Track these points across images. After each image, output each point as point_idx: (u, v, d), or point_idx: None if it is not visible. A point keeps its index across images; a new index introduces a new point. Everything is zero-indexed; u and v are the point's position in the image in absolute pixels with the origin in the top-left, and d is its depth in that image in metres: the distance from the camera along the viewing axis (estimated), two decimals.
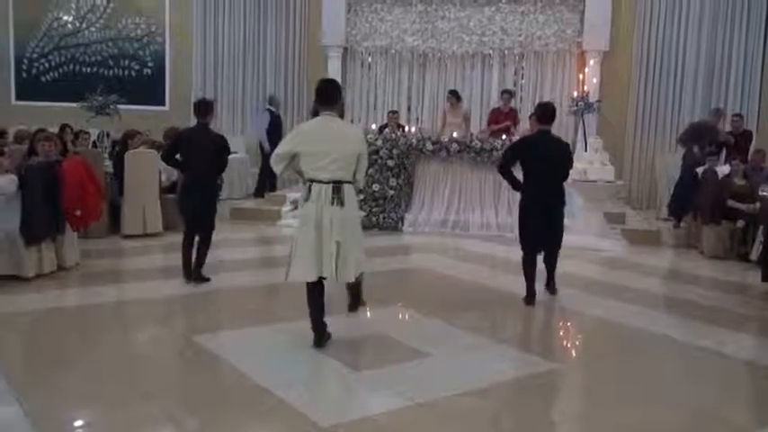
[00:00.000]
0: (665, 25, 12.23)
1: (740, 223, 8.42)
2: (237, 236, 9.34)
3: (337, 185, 4.63)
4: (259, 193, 11.71)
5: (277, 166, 4.81)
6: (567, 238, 9.01)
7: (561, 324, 6.11)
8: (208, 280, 6.65)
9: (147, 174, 8.94)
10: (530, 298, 6.22)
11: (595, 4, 12.16)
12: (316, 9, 13.11)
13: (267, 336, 5.29)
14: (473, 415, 3.96)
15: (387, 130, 10.89)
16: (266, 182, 11.69)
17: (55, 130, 9.29)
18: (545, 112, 6.25)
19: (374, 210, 9.84)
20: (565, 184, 6.37)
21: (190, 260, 6.62)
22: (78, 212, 6.96)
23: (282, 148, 4.81)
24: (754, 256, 7.98)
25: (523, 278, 6.23)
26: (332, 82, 5.05)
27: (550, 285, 6.51)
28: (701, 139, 10.06)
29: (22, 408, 3.81)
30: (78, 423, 3.86)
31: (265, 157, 11.81)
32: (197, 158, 6.44)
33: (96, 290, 6.42)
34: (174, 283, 6.66)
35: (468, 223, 9.79)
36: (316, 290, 4.83)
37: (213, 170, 6.58)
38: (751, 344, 5.59)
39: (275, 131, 11.71)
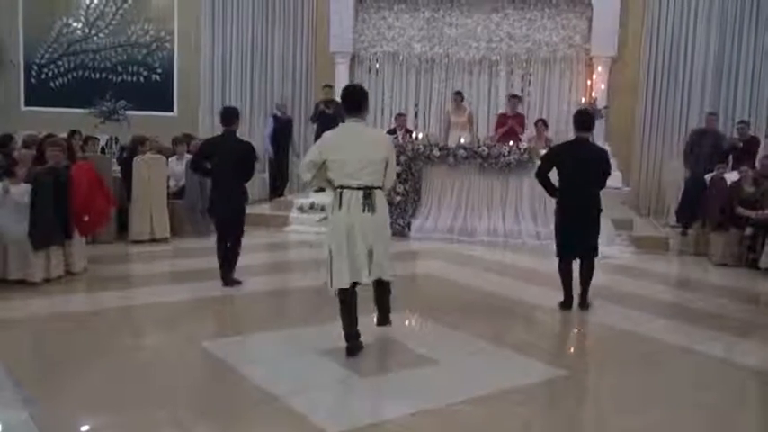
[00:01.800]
0: (672, 32, 12.20)
1: (748, 231, 8.37)
2: (245, 241, 9.35)
3: (368, 191, 4.62)
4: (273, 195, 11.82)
5: (305, 175, 4.82)
6: None
7: (568, 331, 6.09)
8: (239, 283, 6.72)
9: (156, 179, 8.97)
10: (565, 303, 6.26)
11: (603, 11, 12.14)
12: (323, 16, 13.15)
13: (274, 341, 5.29)
14: (480, 422, 3.94)
15: (398, 133, 10.95)
16: (276, 185, 11.80)
17: (64, 135, 9.32)
18: (582, 119, 6.28)
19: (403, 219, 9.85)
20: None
21: (225, 263, 6.72)
22: (86, 218, 7.00)
23: (309, 156, 4.81)
24: (763, 263, 7.94)
25: (535, 285, 6.46)
26: (358, 88, 5.02)
27: (583, 298, 6.30)
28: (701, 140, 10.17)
29: (29, 412, 3.82)
30: (85, 428, 3.86)
31: (270, 162, 11.87)
32: (223, 165, 6.53)
33: (104, 295, 6.44)
34: (181, 289, 6.68)
35: (476, 229, 9.78)
36: (349, 299, 4.80)
37: (240, 177, 6.62)
38: (760, 352, 5.55)
39: (283, 136, 11.75)
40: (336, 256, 4.66)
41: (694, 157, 10.31)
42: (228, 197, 6.58)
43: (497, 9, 12.71)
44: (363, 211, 4.60)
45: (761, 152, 10.07)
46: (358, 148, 4.65)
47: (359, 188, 4.62)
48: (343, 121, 4.98)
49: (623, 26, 12.26)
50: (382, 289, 5.08)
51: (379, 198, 4.70)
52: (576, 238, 6.17)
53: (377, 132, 5.27)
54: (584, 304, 6.30)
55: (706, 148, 10.23)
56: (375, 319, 5.25)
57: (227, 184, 6.56)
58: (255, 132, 12.74)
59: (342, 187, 4.66)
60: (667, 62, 12.24)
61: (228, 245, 6.72)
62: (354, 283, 4.75)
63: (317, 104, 11.86)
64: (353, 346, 4.82)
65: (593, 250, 6.28)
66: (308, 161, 4.79)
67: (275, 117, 12.01)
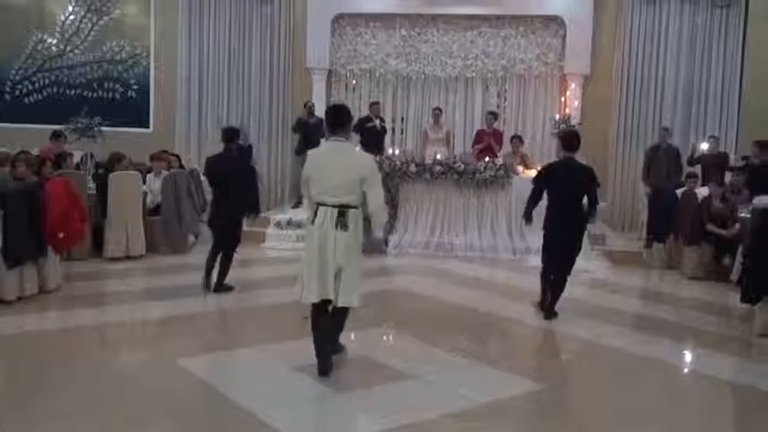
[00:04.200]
0: (644, 51, 12.43)
1: (726, 261, 8.41)
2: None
3: (343, 210, 4.70)
4: None
5: (302, 190, 5.17)
6: None
7: (544, 346, 6.14)
8: (231, 289, 7.15)
9: (131, 196, 8.93)
10: (543, 303, 6.65)
11: (576, 29, 12.34)
12: (300, 32, 13.20)
13: (250, 358, 5.28)
14: None
15: (374, 121, 11.37)
16: None
17: (37, 152, 9.25)
18: (569, 139, 6.58)
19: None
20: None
21: (211, 271, 7.11)
22: (61, 235, 6.93)
23: (303, 172, 5.00)
24: (734, 276, 8.07)
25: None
26: (342, 108, 5.18)
27: (551, 309, 6.57)
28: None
29: None
30: None
31: None
32: (222, 181, 6.97)
33: (78, 313, 6.38)
34: (156, 306, 6.64)
35: (452, 245, 9.84)
36: (320, 315, 4.85)
37: (237, 192, 7.06)
38: (732, 364, 5.64)
39: (244, 162, 11.50)
40: (308, 270, 4.75)
41: (654, 172, 10.52)
42: (227, 210, 6.98)
43: (473, 27, 12.85)
44: (336, 228, 4.67)
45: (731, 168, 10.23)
46: (336, 166, 4.75)
47: (334, 206, 4.70)
48: (324, 135, 5.10)
49: (596, 45, 12.46)
50: (340, 317, 5.00)
51: (353, 217, 4.75)
52: (559, 254, 6.48)
53: (356, 152, 5.31)
54: (550, 313, 6.55)
55: (662, 163, 10.46)
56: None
57: (226, 198, 6.96)
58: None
59: (318, 204, 4.75)
60: (639, 80, 12.45)
61: (221, 254, 7.11)
62: (325, 301, 4.78)
63: (299, 117, 11.86)
64: (323, 364, 4.80)
65: (570, 267, 6.57)
66: (302, 177, 5.02)
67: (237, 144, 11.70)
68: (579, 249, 6.59)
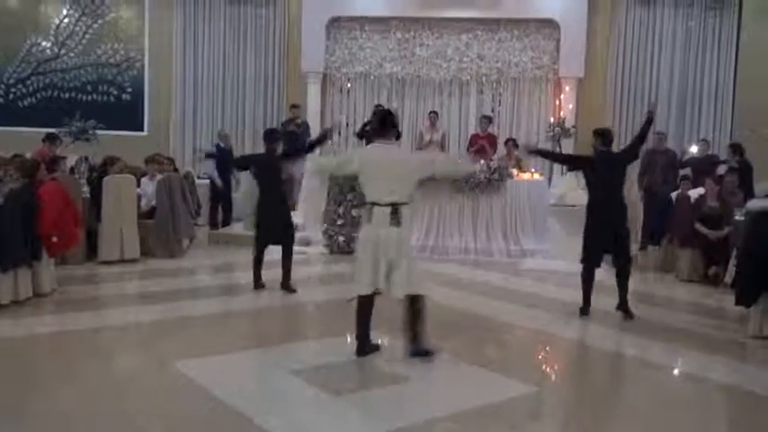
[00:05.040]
0: (638, 53, 12.51)
1: (712, 270, 8.44)
2: (214, 261, 9.33)
3: (395, 207, 4.97)
4: (213, 224, 11.45)
5: (322, 164, 6.13)
6: (546, 263, 9.19)
7: (540, 348, 6.15)
8: (294, 291, 7.27)
9: (125, 199, 8.90)
10: (584, 310, 6.74)
11: (570, 33, 12.39)
12: (295, 35, 13.22)
13: (247, 361, 5.28)
14: None
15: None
16: (217, 215, 11.50)
17: (29, 155, 9.21)
18: (605, 135, 6.80)
19: (353, 235, 9.84)
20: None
21: (261, 264, 7.35)
22: (55, 238, 6.91)
23: (342, 158, 5.53)
24: (728, 279, 8.07)
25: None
26: (385, 111, 5.62)
27: (626, 309, 6.72)
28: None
29: None
30: None
31: (217, 192, 11.53)
32: (267, 180, 7.30)
33: (73, 316, 6.36)
34: (151, 309, 6.63)
35: (448, 248, 9.84)
36: (366, 306, 5.18)
37: (282, 190, 7.41)
38: (726, 366, 5.65)
39: (225, 166, 11.46)
40: (362, 266, 5.07)
41: (649, 177, 10.51)
42: (275, 207, 7.24)
43: (467, 30, 12.90)
44: (390, 225, 4.95)
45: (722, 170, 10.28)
46: (389, 168, 5.05)
47: (387, 204, 4.98)
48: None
49: (590, 48, 12.52)
50: (414, 309, 5.15)
51: (405, 214, 5.05)
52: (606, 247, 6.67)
53: (403, 152, 5.81)
54: (624, 308, 6.70)
55: (657, 167, 10.44)
56: (407, 348, 5.24)
57: (272, 197, 7.25)
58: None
59: (373, 204, 5.03)
60: (633, 83, 12.54)
61: (282, 254, 7.33)
62: (374, 293, 5.10)
63: (284, 123, 11.83)
64: (361, 346, 5.20)
65: (626, 259, 6.72)
66: (338, 160, 5.56)
67: (218, 147, 11.62)
68: (628, 236, 6.76)
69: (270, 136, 7.60)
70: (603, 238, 6.56)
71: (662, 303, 7.63)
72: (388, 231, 4.97)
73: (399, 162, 5.16)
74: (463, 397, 4.56)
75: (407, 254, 5.11)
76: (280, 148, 7.52)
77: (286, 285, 7.29)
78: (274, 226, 7.24)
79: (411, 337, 5.19)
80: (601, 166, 6.66)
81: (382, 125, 5.26)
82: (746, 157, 9.95)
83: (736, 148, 10.05)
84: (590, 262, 6.69)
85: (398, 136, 6.62)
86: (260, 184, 7.41)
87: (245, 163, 8.26)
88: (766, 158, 12.01)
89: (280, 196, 7.36)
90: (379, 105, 12.04)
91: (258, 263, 7.37)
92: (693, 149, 10.77)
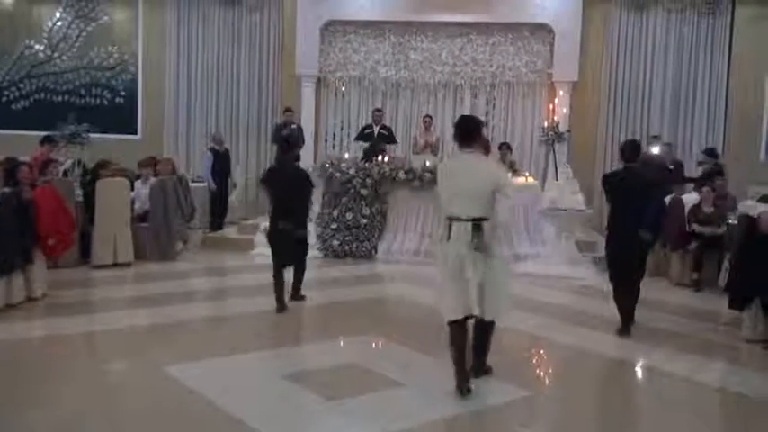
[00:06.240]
0: (631, 58, 12.55)
1: (692, 245, 8.57)
2: (210, 265, 9.31)
3: (477, 224, 4.51)
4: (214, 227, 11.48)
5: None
6: (540, 267, 9.19)
7: (534, 352, 6.15)
8: (303, 298, 7.06)
9: (119, 202, 8.88)
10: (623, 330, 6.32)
11: (564, 37, 12.41)
12: (290, 39, 13.21)
13: (239, 366, 5.26)
14: None
15: (374, 128, 11.38)
16: (215, 218, 11.52)
17: (26, 158, 9.18)
18: (631, 150, 6.41)
19: (347, 238, 9.87)
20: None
21: (283, 287, 6.80)
22: (51, 241, 6.90)
23: (437, 187, 4.85)
24: (721, 282, 8.11)
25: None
26: (471, 118, 5.07)
27: (626, 325, 6.36)
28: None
29: None
30: None
31: (212, 195, 11.54)
32: (281, 191, 6.77)
33: (65, 321, 6.33)
34: (144, 314, 6.60)
35: None
36: (458, 332, 4.68)
37: (298, 201, 6.80)
38: (720, 370, 5.67)
39: (222, 168, 11.48)
40: (448, 288, 4.64)
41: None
42: (288, 220, 6.70)
43: (462, 34, 12.90)
44: (471, 241, 4.49)
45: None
46: (467, 180, 4.59)
47: (467, 220, 4.52)
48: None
49: (584, 52, 12.54)
50: (483, 330, 4.86)
51: (488, 231, 4.54)
52: (625, 264, 6.32)
53: (489, 162, 5.05)
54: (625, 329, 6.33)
55: (653, 172, 10.41)
56: (470, 367, 4.82)
57: (286, 208, 6.72)
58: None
59: (451, 218, 4.59)
60: (627, 88, 12.57)
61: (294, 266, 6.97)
62: (466, 318, 4.65)
63: (277, 126, 11.80)
64: (462, 379, 4.64)
65: (638, 276, 6.37)
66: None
67: (213, 150, 11.61)
68: (643, 262, 6.43)
69: (286, 144, 7.18)
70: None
71: (656, 307, 7.63)
72: (475, 251, 4.50)
73: (476, 172, 4.63)
74: (458, 401, 4.55)
75: (498, 274, 4.67)
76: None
77: (295, 295, 7.08)
78: (287, 246, 6.81)
79: (479, 357, 4.94)
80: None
81: (464, 132, 4.74)
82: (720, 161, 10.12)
83: (711, 153, 10.15)
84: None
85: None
86: (274, 198, 6.92)
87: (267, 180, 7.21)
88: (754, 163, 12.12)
89: (291, 210, 6.79)
90: (378, 110, 12.04)
91: (277, 284, 6.82)
92: (654, 150, 10.72)
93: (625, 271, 6.33)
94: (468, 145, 4.69)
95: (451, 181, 4.65)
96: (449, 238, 4.57)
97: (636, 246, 6.22)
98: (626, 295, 6.38)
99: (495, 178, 4.62)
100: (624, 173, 6.43)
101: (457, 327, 4.64)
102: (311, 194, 7.12)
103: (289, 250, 6.80)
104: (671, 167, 10.21)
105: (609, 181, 6.63)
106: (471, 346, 4.78)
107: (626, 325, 6.34)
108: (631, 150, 6.41)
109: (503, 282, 4.72)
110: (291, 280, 7.07)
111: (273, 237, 6.86)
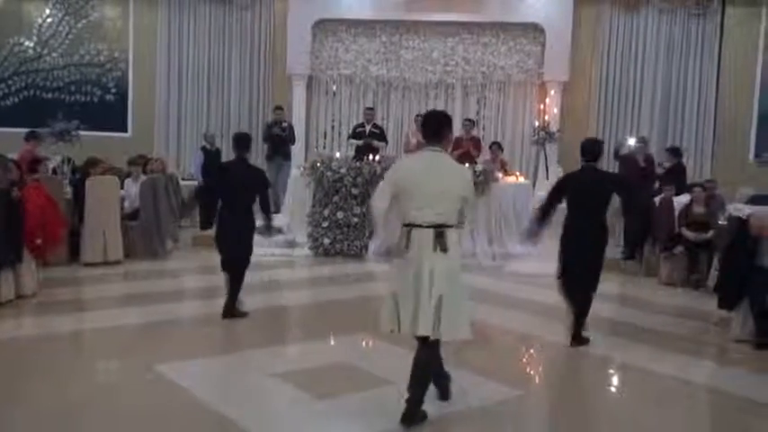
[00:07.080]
0: (622, 58, 12.63)
1: (678, 249, 8.59)
2: (198, 264, 9.28)
3: (440, 230, 4.03)
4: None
5: (379, 202, 4.20)
6: (529, 266, 9.20)
7: (525, 352, 6.16)
8: (244, 315, 6.38)
9: (108, 200, 8.83)
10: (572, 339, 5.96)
11: (555, 37, 12.46)
12: (281, 37, 13.20)
13: (229, 364, 5.26)
14: None
15: (366, 127, 11.33)
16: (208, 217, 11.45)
17: (14, 155, 9.12)
18: (590, 149, 6.03)
19: (338, 237, 9.86)
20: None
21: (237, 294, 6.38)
22: (39, 240, 6.86)
23: (383, 184, 4.26)
24: (711, 282, 8.15)
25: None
26: (439, 113, 4.55)
27: (577, 333, 5.94)
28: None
29: None
30: None
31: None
32: (233, 193, 6.24)
33: (55, 319, 6.29)
34: (134, 312, 6.58)
35: None
36: (417, 351, 4.22)
37: (250, 205, 6.31)
38: (709, 370, 5.70)
39: (213, 167, 11.38)
40: (397, 300, 4.12)
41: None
42: (239, 230, 6.24)
43: (453, 33, 12.93)
44: (434, 250, 4.01)
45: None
46: (434, 181, 4.06)
47: (429, 226, 4.03)
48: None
49: (575, 52, 12.59)
50: (429, 353, 4.25)
51: (452, 238, 4.09)
52: (579, 267, 5.93)
53: (458, 166, 4.54)
54: (579, 338, 5.95)
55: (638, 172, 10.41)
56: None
57: (238, 215, 6.21)
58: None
59: (411, 225, 4.08)
60: (617, 88, 12.66)
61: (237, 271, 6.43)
62: (424, 338, 4.13)
63: (269, 125, 11.78)
64: (408, 413, 4.12)
65: (592, 280, 5.95)
66: (380, 188, 4.26)
67: (204, 149, 11.51)
68: (599, 267, 5.95)
69: (239, 142, 6.44)
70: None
71: (645, 307, 7.67)
72: (434, 260, 4.02)
73: (448, 179, 4.13)
74: (451, 400, 4.55)
75: (458, 288, 4.19)
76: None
77: (229, 310, 6.36)
78: (232, 250, 6.30)
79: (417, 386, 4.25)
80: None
81: (431, 128, 4.25)
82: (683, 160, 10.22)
83: (674, 152, 10.20)
84: None
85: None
86: (223, 200, 6.34)
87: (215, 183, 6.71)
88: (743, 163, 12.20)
89: (245, 215, 6.29)
90: (370, 108, 12.05)
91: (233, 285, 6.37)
92: (631, 142, 10.69)
93: (580, 279, 5.93)
94: (438, 142, 4.19)
95: (413, 182, 4.07)
96: (406, 246, 4.07)
97: (594, 250, 5.90)
98: (577, 305, 5.99)
99: (466, 184, 4.26)
100: (580, 173, 6.09)
101: (419, 345, 4.21)
102: (267, 198, 6.49)
103: (234, 255, 6.32)
104: (643, 164, 10.16)
105: (567, 183, 6.23)
106: (411, 375, 4.22)
107: (578, 331, 5.94)
108: (590, 149, 6.02)
109: (463, 295, 4.25)
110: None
111: (221, 242, 6.38)
